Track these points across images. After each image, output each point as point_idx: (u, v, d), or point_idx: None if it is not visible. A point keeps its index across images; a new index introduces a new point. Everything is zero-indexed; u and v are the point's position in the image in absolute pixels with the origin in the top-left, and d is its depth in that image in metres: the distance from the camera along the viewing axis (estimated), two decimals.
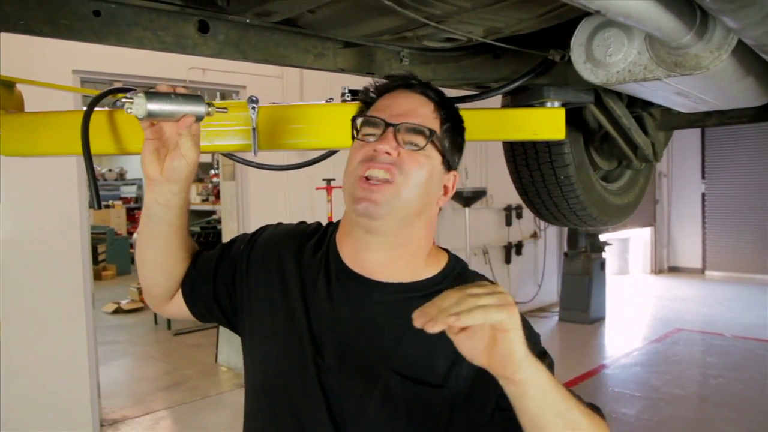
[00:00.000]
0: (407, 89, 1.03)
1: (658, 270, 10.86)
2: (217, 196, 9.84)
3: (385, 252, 1.01)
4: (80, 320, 4.11)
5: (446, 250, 1.12)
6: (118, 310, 7.95)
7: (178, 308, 1.14)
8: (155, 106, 0.90)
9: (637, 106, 2.03)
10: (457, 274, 1.06)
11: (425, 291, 0.99)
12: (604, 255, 7.44)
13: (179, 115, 0.94)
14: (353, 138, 1.04)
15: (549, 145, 2.00)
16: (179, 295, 1.13)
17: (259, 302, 1.06)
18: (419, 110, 1.01)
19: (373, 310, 1.01)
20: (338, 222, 1.14)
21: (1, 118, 1.50)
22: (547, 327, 7.15)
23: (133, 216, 12.40)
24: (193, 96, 0.98)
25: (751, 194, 9.88)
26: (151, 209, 1.02)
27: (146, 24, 1.16)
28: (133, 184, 13.45)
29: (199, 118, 0.98)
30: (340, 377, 0.99)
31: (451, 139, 1.04)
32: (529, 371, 0.78)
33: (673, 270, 10.94)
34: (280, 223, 1.19)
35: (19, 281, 3.81)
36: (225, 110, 1.10)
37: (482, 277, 1.05)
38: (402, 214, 0.98)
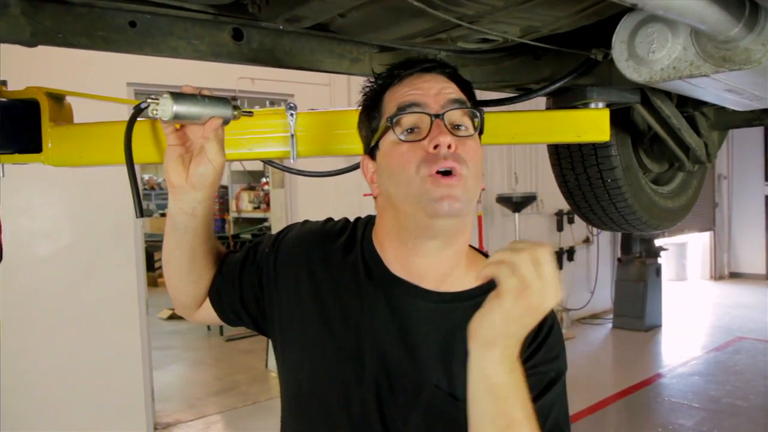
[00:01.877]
0: (425, 73, 0.96)
1: (718, 276, 10.42)
2: (268, 203, 10.01)
3: (440, 253, 0.96)
4: (135, 326, 4.23)
5: (481, 252, 1.08)
6: (173, 316, 8.15)
7: (207, 314, 1.13)
8: (181, 108, 0.88)
9: (688, 105, 1.95)
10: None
11: (473, 300, 0.93)
12: (659, 260, 7.19)
13: (205, 118, 0.92)
14: (373, 141, 0.98)
15: (595, 147, 1.93)
16: (208, 303, 1.11)
17: (290, 307, 1.03)
18: (451, 87, 0.95)
19: (417, 319, 0.97)
20: (368, 219, 1.09)
21: (51, 130, 1.55)
22: (600, 335, 6.94)
23: None
24: (219, 98, 0.95)
25: None
26: (176, 219, 0.99)
27: (181, 33, 1.17)
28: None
29: (225, 122, 0.95)
30: (381, 390, 0.95)
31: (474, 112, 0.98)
32: (480, 350, 0.79)
33: (735, 276, 10.48)
34: (306, 222, 1.15)
35: (76, 287, 3.95)
36: (251, 113, 1.09)
37: None
38: (471, 205, 0.95)
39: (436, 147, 0.89)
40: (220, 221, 12.21)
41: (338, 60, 1.37)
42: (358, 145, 1.57)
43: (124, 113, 4.01)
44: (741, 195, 10.27)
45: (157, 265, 10.21)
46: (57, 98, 1.59)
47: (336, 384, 0.97)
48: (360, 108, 1.04)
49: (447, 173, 0.89)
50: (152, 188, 12.88)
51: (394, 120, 0.92)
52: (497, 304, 0.77)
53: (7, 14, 0.92)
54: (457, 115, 0.94)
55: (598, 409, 4.68)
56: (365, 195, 5.03)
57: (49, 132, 1.55)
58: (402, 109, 0.92)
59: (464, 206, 0.91)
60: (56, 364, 3.86)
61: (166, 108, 0.87)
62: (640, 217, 2.03)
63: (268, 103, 6.40)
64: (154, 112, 0.88)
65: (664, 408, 4.78)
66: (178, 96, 0.88)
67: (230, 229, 8.69)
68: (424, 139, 0.90)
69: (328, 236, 1.07)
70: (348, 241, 1.06)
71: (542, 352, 0.94)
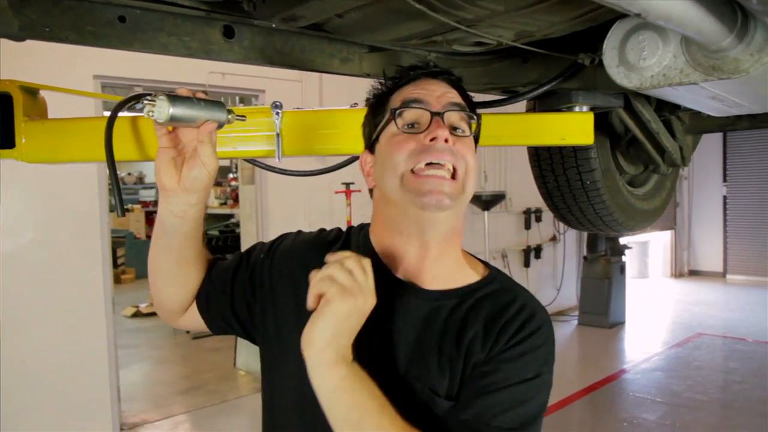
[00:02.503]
0: (431, 78, 1.00)
1: (678, 274, 10.71)
2: (236, 199, 9.88)
3: (432, 248, 0.98)
4: (101, 324, 4.13)
5: (472, 255, 1.09)
6: (137, 314, 8.00)
7: (192, 321, 1.10)
8: (178, 111, 0.86)
9: (665, 109, 1.99)
10: (496, 290, 1.01)
11: (462, 298, 0.98)
12: (624, 259, 7.35)
13: (200, 122, 0.90)
14: (374, 135, 1.01)
15: (575, 150, 1.96)
16: (194, 308, 1.09)
17: (286, 315, 1.02)
18: (453, 92, 0.99)
19: (404, 316, 0.98)
20: (362, 226, 1.09)
21: (25, 125, 1.50)
22: (566, 331, 7.07)
23: (152, 220, 12.49)
24: (214, 102, 0.94)
25: None
26: (166, 221, 0.97)
27: (171, 30, 1.14)
28: (152, 187, 13.54)
29: (220, 125, 0.94)
30: (380, 387, 0.96)
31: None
32: (316, 356, 0.83)
33: (694, 274, 10.79)
34: (300, 232, 1.15)
35: (40, 285, 3.84)
36: (243, 118, 1.07)
37: (522, 289, 1.04)
38: (464, 203, 0.98)
39: (432, 140, 0.92)
40: None
41: (329, 59, 1.36)
42: (343, 145, 1.57)
43: (91, 108, 3.92)
44: (700, 195, 10.57)
45: (120, 261, 10.01)
46: (31, 92, 1.54)
47: None
48: (356, 106, 1.11)
49: (438, 165, 0.92)
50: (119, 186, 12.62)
51: (397, 112, 0.96)
52: (327, 309, 0.83)
53: None
54: (455, 117, 0.97)
55: (564, 405, 4.77)
56: (336, 192, 5.01)
57: (22, 127, 1.50)
58: (405, 104, 0.96)
59: (454, 202, 0.93)
60: (19, 363, 3.75)
61: (162, 110, 0.85)
62: (616, 219, 2.06)
63: (237, 98, 6.34)
64: (150, 113, 0.86)
65: (629, 403, 4.90)
66: (174, 98, 0.86)
67: None
68: (421, 132, 0.94)
69: (323, 244, 1.07)
70: (343, 247, 1.06)
71: (516, 347, 0.94)
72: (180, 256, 1.01)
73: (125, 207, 11.28)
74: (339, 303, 0.83)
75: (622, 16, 1.17)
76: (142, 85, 4.64)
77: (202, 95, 0.92)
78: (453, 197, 0.93)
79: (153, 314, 8.03)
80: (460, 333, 0.95)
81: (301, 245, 1.09)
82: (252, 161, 1.73)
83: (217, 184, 11.09)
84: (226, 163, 10.40)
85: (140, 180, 13.77)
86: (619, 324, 7.19)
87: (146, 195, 13.52)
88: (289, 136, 1.48)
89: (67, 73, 3.77)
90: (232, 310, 1.07)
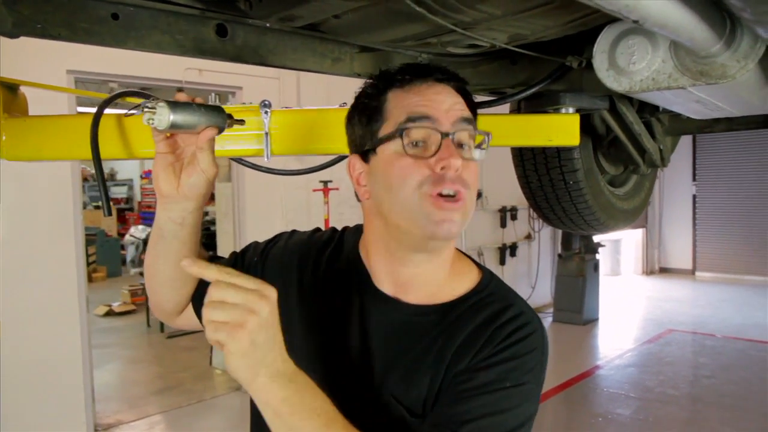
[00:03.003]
0: (439, 83, 0.92)
1: (649, 271, 10.92)
2: (210, 197, 9.80)
3: (426, 264, 0.96)
4: (74, 323, 4.06)
5: (468, 256, 1.05)
6: (110, 313, 7.87)
7: (189, 321, 1.09)
8: (178, 118, 0.84)
9: (645, 111, 2.03)
10: (484, 298, 0.96)
11: (448, 313, 0.94)
12: (597, 256, 7.47)
13: (201, 128, 0.89)
14: (370, 145, 0.93)
15: (558, 151, 1.99)
16: (190, 309, 1.08)
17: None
18: (461, 104, 0.93)
19: (387, 330, 0.96)
20: (357, 228, 1.08)
21: (5, 122, 1.47)
22: None
23: (123, 217, 12.31)
24: (214, 107, 0.93)
25: (741, 197, 9.98)
26: (164, 228, 0.95)
27: (165, 28, 1.13)
28: (123, 185, 13.34)
29: (220, 131, 0.93)
30: (351, 401, 0.92)
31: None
32: (250, 385, 0.76)
33: (664, 271, 11.02)
34: (294, 232, 1.13)
35: (12, 284, 3.76)
36: (242, 122, 1.06)
37: (514, 296, 0.99)
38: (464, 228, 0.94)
39: (443, 168, 0.87)
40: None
41: (320, 59, 1.36)
42: (332, 145, 1.57)
43: (64, 104, 3.84)
44: (671, 194, 10.79)
45: (91, 259, 9.83)
46: (11, 88, 1.51)
47: None
48: (352, 105, 1.00)
49: (450, 196, 0.87)
50: (85, 180, 12.40)
51: (404, 131, 0.89)
52: (229, 356, 0.75)
53: None
54: (465, 136, 0.92)
55: (540, 402, 4.83)
56: (314, 190, 5.00)
57: (3, 124, 1.47)
58: (413, 120, 0.89)
59: (461, 229, 0.90)
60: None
61: (163, 117, 0.83)
62: (598, 218, 2.10)
63: (213, 95, 6.25)
64: (150, 120, 0.84)
65: (603, 398, 4.98)
66: (174, 105, 0.84)
67: None
68: (431, 156, 0.88)
69: (316, 246, 1.06)
70: (335, 251, 1.05)
71: (500, 354, 0.90)
72: (177, 260, 0.99)
73: (94, 204, 10.93)
74: (234, 344, 0.74)
75: (612, 20, 1.19)
76: (116, 81, 4.56)
77: (200, 100, 0.91)
78: (462, 224, 0.90)
79: (126, 313, 7.92)
80: (443, 348, 0.92)
81: (293, 247, 1.08)
82: (239, 160, 1.72)
83: None
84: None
85: (111, 177, 13.55)
86: (593, 321, 7.31)
87: (118, 192, 13.33)
88: (277, 136, 1.47)
89: (39, 67, 3.68)
90: None
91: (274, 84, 5.12)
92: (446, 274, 0.99)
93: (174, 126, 0.85)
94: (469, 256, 1.06)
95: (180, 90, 0.90)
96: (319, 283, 1.02)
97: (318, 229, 1.13)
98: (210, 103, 0.96)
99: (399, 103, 0.91)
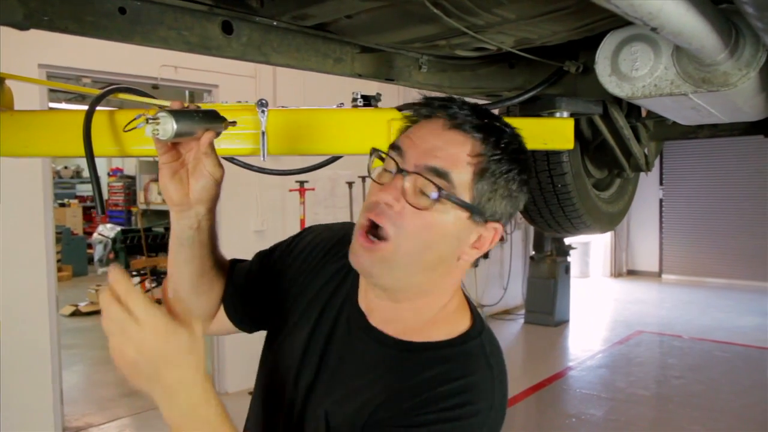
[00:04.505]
0: (448, 120, 0.86)
1: (617, 273, 11.12)
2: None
3: (386, 302, 0.92)
4: (43, 323, 3.96)
5: (474, 311, 0.97)
6: (76, 313, 7.69)
7: (222, 326, 1.09)
8: (181, 126, 0.84)
9: (632, 116, 2.07)
10: (449, 355, 0.88)
11: (424, 354, 0.88)
12: (568, 259, 7.58)
13: (200, 132, 0.89)
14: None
15: (547, 154, 2.01)
16: (222, 314, 1.08)
17: (295, 311, 1.03)
18: (448, 152, 0.84)
19: (353, 349, 0.95)
20: None
21: None
22: (512, 330, 7.23)
23: (89, 215, 12.03)
24: (210, 111, 0.94)
25: (706, 201, 10.26)
26: (182, 236, 0.95)
27: (171, 23, 1.11)
28: (90, 182, 13.04)
29: (218, 134, 0.93)
30: (283, 402, 0.96)
31: (493, 186, 0.85)
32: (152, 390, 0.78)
33: (632, 273, 11.23)
34: (327, 226, 1.13)
35: None
36: (234, 123, 1.04)
37: (484, 369, 0.89)
38: (400, 272, 0.87)
39: (375, 199, 0.87)
40: (126, 213, 11.66)
41: (322, 59, 1.35)
42: (327, 145, 1.56)
43: (35, 98, 3.74)
44: (638, 198, 10.94)
45: (57, 257, 9.59)
46: None
47: (279, 388, 0.99)
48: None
49: (374, 234, 0.86)
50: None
51: (382, 154, 0.90)
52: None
53: None
54: (422, 182, 0.84)
55: (512, 404, 4.88)
56: (291, 190, 4.96)
57: None
58: (390, 148, 0.89)
59: (378, 271, 0.87)
60: None
61: (167, 127, 0.83)
62: (585, 221, 2.13)
63: (187, 92, 6.17)
64: (155, 132, 0.84)
65: (576, 399, 5.06)
66: (175, 114, 0.84)
67: (140, 222, 8.28)
68: (380, 185, 0.87)
69: (340, 244, 1.04)
70: (342, 252, 1.02)
71: (415, 423, 0.83)
72: (200, 265, 1.00)
73: (59, 201, 10.65)
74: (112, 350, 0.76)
75: (615, 27, 1.21)
76: (90, 76, 4.46)
77: (194, 106, 0.92)
78: (374, 264, 0.86)
79: (92, 313, 7.73)
80: (385, 387, 0.88)
81: (319, 243, 1.08)
82: (231, 159, 1.70)
83: None
84: None
85: (77, 174, 13.24)
86: (564, 322, 7.41)
87: (83, 189, 13.02)
88: (274, 135, 1.46)
89: (9, 60, 3.58)
90: (260, 310, 1.07)
91: (250, 82, 5.07)
92: (422, 318, 0.92)
93: (177, 135, 0.85)
94: (474, 308, 0.98)
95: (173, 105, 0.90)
96: (330, 285, 1.02)
97: (346, 224, 1.11)
98: (203, 106, 0.96)
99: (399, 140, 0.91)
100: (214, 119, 0.93)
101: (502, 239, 0.93)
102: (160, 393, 0.78)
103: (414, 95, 1.07)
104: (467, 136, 0.85)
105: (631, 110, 2.03)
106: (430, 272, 0.89)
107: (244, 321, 1.09)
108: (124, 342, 0.75)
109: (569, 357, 6.33)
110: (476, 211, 0.86)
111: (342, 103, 1.47)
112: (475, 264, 0.96)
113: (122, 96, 1.47)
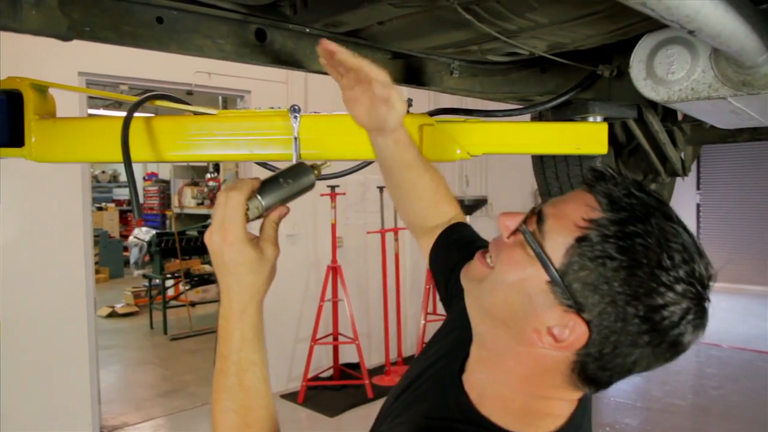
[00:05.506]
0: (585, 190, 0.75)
1: None
2: (212, 200, 9.79)
3: (474, 347, 0.86)
4: (81, 324, 4.06)
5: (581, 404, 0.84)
6: (113, 314, 7.86)
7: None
8: (269, 201, 0.87)
9: (668, 120, 2.02)
10: None
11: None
12: None
13: (293, 198, 0.90)
14: None
15: (580, 158, 1.98)
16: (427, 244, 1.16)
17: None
18: (565, 203, 0.75)
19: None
20: None
21: (35, 124, 1.47)
22: None
23: (126, 219, 12.29)
24: (297, 166, 0.94)
25: (746, 206, 9.98)
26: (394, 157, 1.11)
27: (206, 32, 1.13)
28: (126, 186, 13.31)
29: (310, 187, 0.93)
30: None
31: (583, 262, 0.69)
32: None
33: None
34: None
35: (21, 284, 3.76)
36: (328, 164, 1.08)
37: None
38: (484, 309, 0.80)
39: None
40: (161, 217, 11.88)
41: None
42: (359, 150, 1.56)
43: (75, 107, 3.84)
44: (675, 203, 10.24)
45: (95, 260, 9.82)
46: (40, 90, 1.51)
47: None
48: None
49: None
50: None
51: None
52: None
53: (44, 6, 0.86)
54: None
55: None
56: (322, 195, 4.99)
57: (33, 125, 1.47)
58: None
59: (469, 288, 0.83)
60: (1, 363, 3.66)
61: (257, 208, 0.86)
62: None
63: (220, 98, 6.26)
64: (255, 212, 0.86)
65: (610, 408, 4.96)
66: (260, 189, 0.87)
67: (174, 226, 8.42)
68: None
69: None
70: None
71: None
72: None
73: (97, 205, 10.94)
74: (208, 231, 0.83)
75: (651, 30, 1.19)
76: (127, 83, 4.56)
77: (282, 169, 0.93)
78: (469, 279, 0.83)
79: (129, 314, 7.91)
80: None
81: None
82: (264, 164, 1.72)
83: (194, 183, 10.98)
84: (203, 163, 10.30)
85: (114, 178, 13.55)
86: None
87: (120, 193, 13.32)
88: (306, 141, 1.47)
89: (51, 69, 3.69)
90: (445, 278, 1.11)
91: (282, 88, 5.13)
92: (491, 386, 0.81)
93: (269, 208, 0.87)
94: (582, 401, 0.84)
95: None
96: None
97: None
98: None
99: None
100: (304, 175, 0.92)
101: None
102: (220, 290, 0.85)
103: (445, 101, 1.07)
104: (593, 200, 0.72)
105: (667, 114, 1.99)
106: (501, 324, 0.78)
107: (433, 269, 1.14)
108: (216, 231, 0.82)
109: None
110: (555, 279, 0.71)
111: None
112: None
113: (158, 103, 1.50)
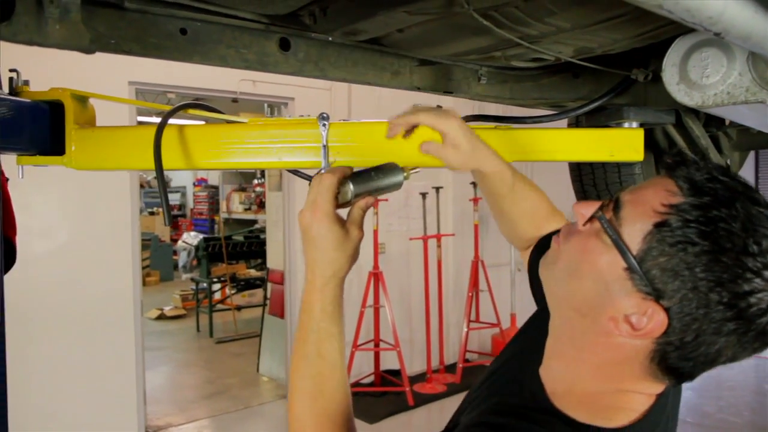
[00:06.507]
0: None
1: None
2: (260, 205, 9.96)
3: (550, 340, 0.85)
4: (129, 326, 4.17)
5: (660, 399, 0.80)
6: (162, 317, 8.06)
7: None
8: (358, 189, 0.93)
9: (712, 125, 1.95)
10: None
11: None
12: None
13: (382, 191, 0.97)
14: None
15: (619, 166, 1.93)
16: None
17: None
18: (644, 189, 0.73)
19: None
20: None
21: (75, 132, 1.52)
22: None
23: (176, 223, 12.61)
24: (388, 165, 1.00)
25: None
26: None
27: (230, 42, 1.15)
28: (177, 191, 13.68)
29: (398, 186, 1.00)
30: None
31: (668, 255, 0.67)
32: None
33: None
34: None
35: (71, 287, 3.88)
36: (418, 171, 1.12)
37: None
38: (559, 298, 0.80)
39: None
40: (210, 222, 12.16)
41: (380, 72, 1.35)
42: (387, 157, 1.56)
43: (125, 114, 3.97)
44: None
45: (145, 264, 10.11)
46: (81, 100, 1.56)
47: None
48: None
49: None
50: (141, 186, 12.81)
51: None
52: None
53: (68, 21, 0.89)
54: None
55: None
56: None
57: (73, 134, 1.52)
58: None
59: (543, 272, 0.84)
60: (50, 364, 3.80)
61: (346, 191, 0.92)
62: None
63: (266, 106, 6.38)
64: (345, 196, 0.92)
65: None
66: (353, 178, 0.93)
67: (222, 230, 8.60)
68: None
69: None
70: None
71: None
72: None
73: (149, 210, 11.26)
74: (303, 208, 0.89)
75: (683, 33, 1.14)
76: (175, 91, 4.69)
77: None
78: (543, 264, 0.84)
79: (177, 317, 8.11)
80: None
81: None
82: (295, 172, 1.73)
83: (242, 189, 11.19)
84: (251, 169, 10.50)
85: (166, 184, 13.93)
86: None
87: (171, 199, 13.68)
88: (335, 148, 1.48)
89: (103, 79, 3.81)
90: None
91: (325, 95, 5.17)
92: (576, 381, 0.79)
93: (358, 195, 0.93)
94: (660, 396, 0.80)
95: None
96: None
97: None
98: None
99: None
100: (393, 175, 0.99)
101: None
102: (306, 263, 0.91)
103: (474, 108, 1.07)
104: (673, 185, 0.70)
105: (711, 119, 1.92)
106: (576, 314, 0.77)
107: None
108: (307, 207, 0.89)
109: None
110: (633, 265, 0.69)
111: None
112: None
113: (191, 111, 1.53)
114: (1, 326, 1.40)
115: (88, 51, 0.97)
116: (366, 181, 0.94)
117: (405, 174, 0.99)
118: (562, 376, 0.80)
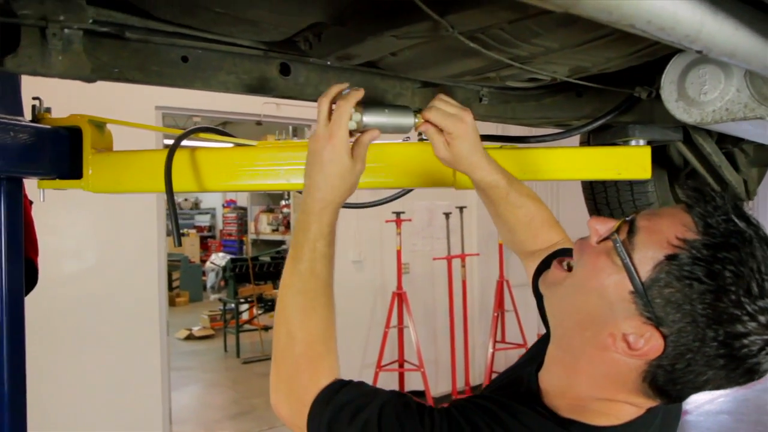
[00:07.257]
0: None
1: None
2: (287, 226, 10.05)
3: (551, 347, 0.88)
4: (155, 345, 4.23)
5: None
6: (190, 337, 8.15)
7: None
8: (369, 118, 0.95)
9: (727, 141, 1.92)
10: None
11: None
12: None
13: (391, 129, 0.99)
14: None
15: (631, 183, 1.91)
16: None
17: None
18: (660, 218, 0.75)
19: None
20: None
21: (92, 157, 1.57)
22: None
23: (206, 244, 12.79)
24: (401, 106, 1.03)
25: None
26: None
27: (230, 68, 1.18)
28: (207, 213, 13.90)
29: (408, 129, 1.02)
30: None
31: (673, 287, 0.70)
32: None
33: None
34: None
35: (99, 307, 3.96)
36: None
37: None
38: (563, 311, 0.83)
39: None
40: (239, 242, 12.30)
41: (381, 95, 1.38)
42: (396, 178, 1.58)
43: (152, 137, 4.07)
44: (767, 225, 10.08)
45: (174, 284, 10.25)
46: (98, 125, 1.62)
47: None
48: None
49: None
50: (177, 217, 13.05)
51: None
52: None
53: (71, 52, 0.93)
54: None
55: None
56: (387, 221, 5.03)
57: (90, 159, 1.57)
58: None
59: (545, 291, 0.87)
60: (77, 381, 3.86)
61: (355, 118, 0.95)
62: None
63: (291, 127, 6.46)
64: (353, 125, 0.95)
65: None
66: (366, 107, 0.96)
67: (249, 251, 8.70)
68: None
69: None
70: None
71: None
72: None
73: (180, 232, 11.42)
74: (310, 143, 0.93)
75: (681, 49, 1.14)
76: (200, 115, 4.80)
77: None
78: (548, 283, 0.86)
79: (206, 337, 8.18)
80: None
81: None
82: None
83: (269, 210, 11.32)
84: (267, 191, 10.63)
85: (196, 205, 14.17)
86: None
87: (201, 220, 13.90)
88: None
89: (130, 103, 3.93)
90: None
91: None
92: (569, 386, 0.82)
93: (367, 125, 0.96)
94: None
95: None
96: None
97: None
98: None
99: None
100: (404, 114, 1.00)
101: None
102: (305, 185, 0.94)
103: (513, 130, 1.09)
104: (690, 220, 0.72)
105: (726, 135, 1.89)
106: (578, 326, 0.80)
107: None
108: (321, 130, 0.92)
109: (686, 401, 5.84)
110: (639, 291, 0.72)
111: (408, 137, 1.49)
112: None
113: (202, 135, 1.58)
114: (21, 344, 1.45)
115: (89, 80, 1.01)
116: (377, 114, 0.96)
117: (417, 119, 0.99)
118: (559, 380, 0.84)
